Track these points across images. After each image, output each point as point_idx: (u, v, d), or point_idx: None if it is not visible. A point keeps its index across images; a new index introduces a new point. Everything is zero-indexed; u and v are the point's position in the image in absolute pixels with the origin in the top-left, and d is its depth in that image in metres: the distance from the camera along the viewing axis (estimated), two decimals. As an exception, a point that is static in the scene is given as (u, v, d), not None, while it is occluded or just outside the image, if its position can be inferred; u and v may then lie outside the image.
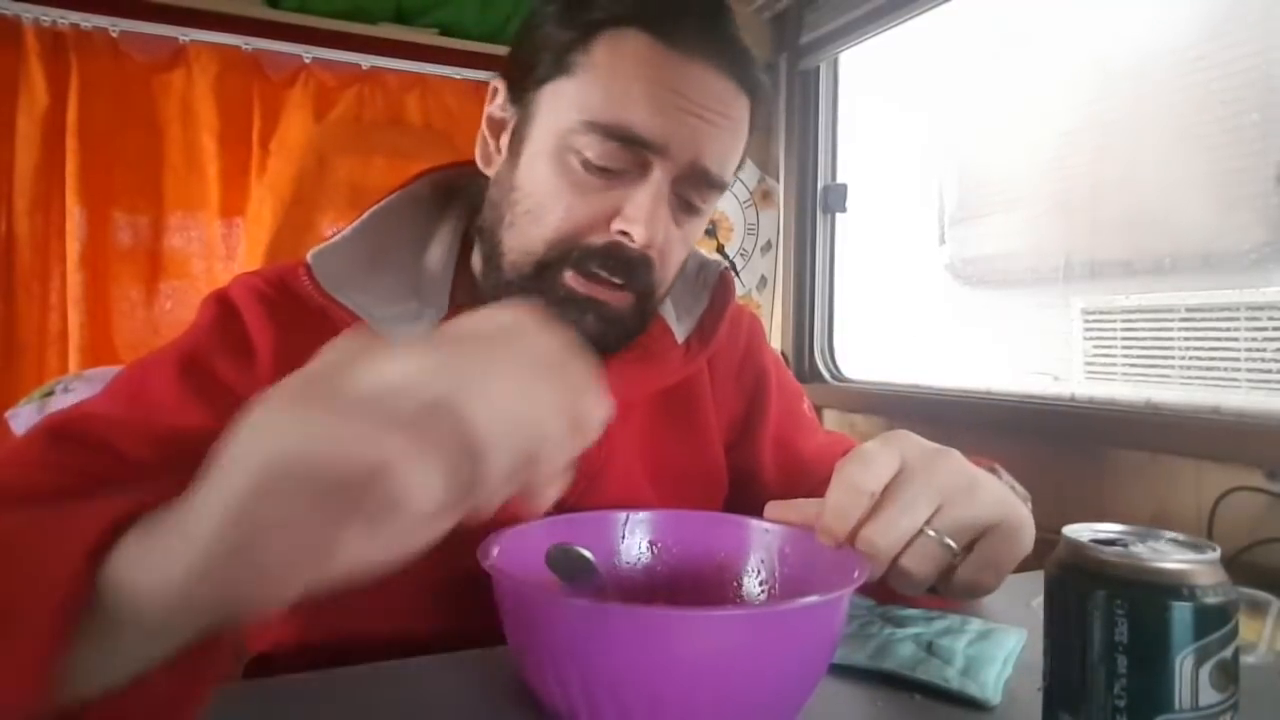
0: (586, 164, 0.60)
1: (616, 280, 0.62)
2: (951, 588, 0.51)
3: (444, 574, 0.56)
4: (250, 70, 1.79)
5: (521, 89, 0.64)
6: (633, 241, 0.60)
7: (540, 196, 0.62)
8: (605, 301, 0.62)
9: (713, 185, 0.64)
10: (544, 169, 0.61)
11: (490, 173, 0.67)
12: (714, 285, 0.78)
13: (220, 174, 1.76)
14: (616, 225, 0.61)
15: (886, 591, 0.60)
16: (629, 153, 0.59)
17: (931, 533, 0.48)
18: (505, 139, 0.66)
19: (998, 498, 0.50)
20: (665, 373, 0.72)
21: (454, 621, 0.56)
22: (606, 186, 0.61)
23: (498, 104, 0.67)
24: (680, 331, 0.74)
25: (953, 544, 0.48)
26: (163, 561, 0.29)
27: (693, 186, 0.63)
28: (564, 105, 0.61)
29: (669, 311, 0.74)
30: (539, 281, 0.62)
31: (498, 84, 0.67)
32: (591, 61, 0.60)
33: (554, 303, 0.61)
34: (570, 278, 0.61)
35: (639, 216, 0.60)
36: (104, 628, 0.30)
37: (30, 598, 0.30)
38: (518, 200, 0.63)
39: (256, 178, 1.80)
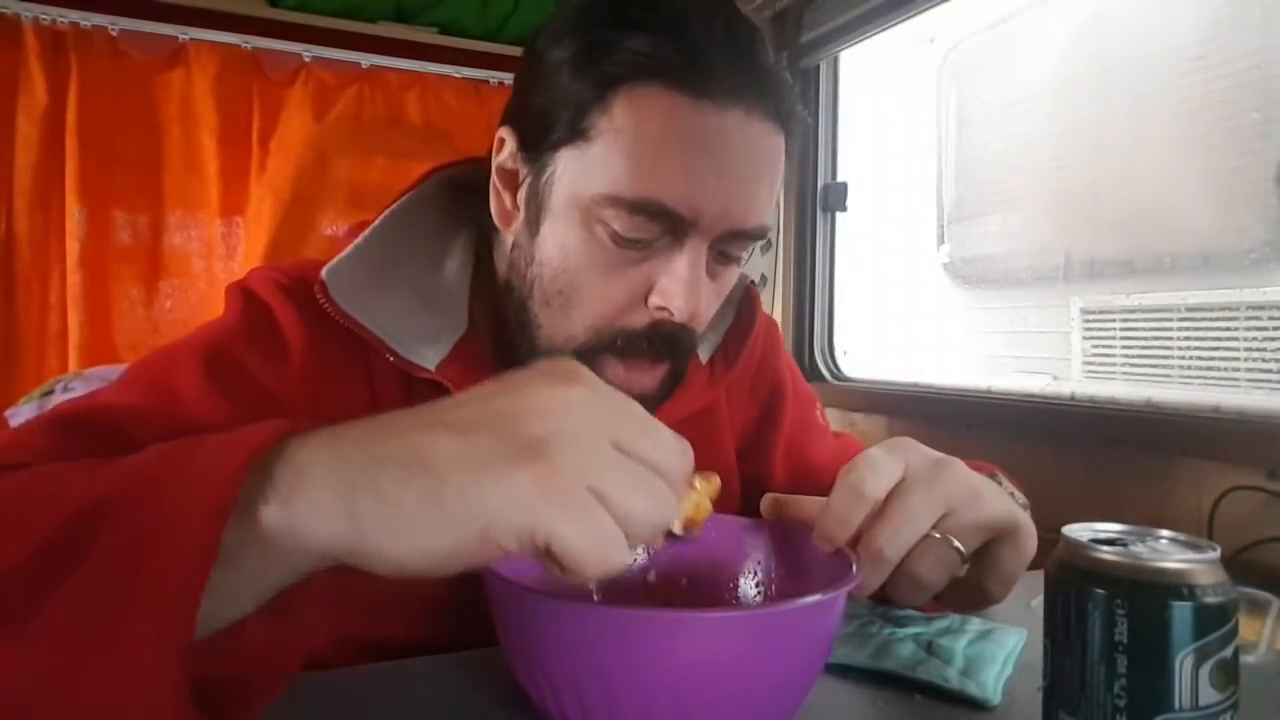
0: (615, 236, 0.55)
1: (659, 356, 0.59)
2: (957, 597, 0.51)
3: (457, 588, 0.56)
4: (250, 69, 1.79)
5: (535, 147, 0.59)
6: (673, 316, 0.57)
7: (572, 275, 0.57)
8: (646, 386, 0.60)
9: (753, 238, 0.60)
10: (571, 244, 0.57)
11: (508, 231, 0.63)
12: (739, 300, 0.75)
13: (220, 173, 1.76)
14: (654, 300, 0.57)
15: (884, 600, 0.60)
16: (659, 224, 0.55)
17: (939, 535, 0.48)
18: (521, 196, 0.61)
19: (1001, 506, 0.50)
20: (690, 399, 0.70)
21: (463, 629, 0.56)
22: (640, 258, 0.57)
23: (507, 154, 0.61)
24: (705, 351, 0.72)
25: (961, 547, 0.48)
26: (317, 532, 0.33)
27: (733, 242, 0.59)
28: (585, 175, 0.56)
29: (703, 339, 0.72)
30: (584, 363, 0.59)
31: (505, 134, 0.61)
32: (613, 126, 0.54)
33: None
34: (612, 370, 0.58)
35: (678, 289, 0.56)
36: (234, 547, 0.32)
37: (185, 500, 0.32)
38: (544, 275, 0.59)
39: (256, 177, 1.80)
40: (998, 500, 0.50)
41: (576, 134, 0.56)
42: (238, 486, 0.32)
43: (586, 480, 0.33)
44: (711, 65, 0.54)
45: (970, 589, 0.51)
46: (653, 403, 0.62)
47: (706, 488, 0.48)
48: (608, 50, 0.54)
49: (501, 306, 0.65)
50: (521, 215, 0.61)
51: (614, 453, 0.35)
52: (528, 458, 0.33)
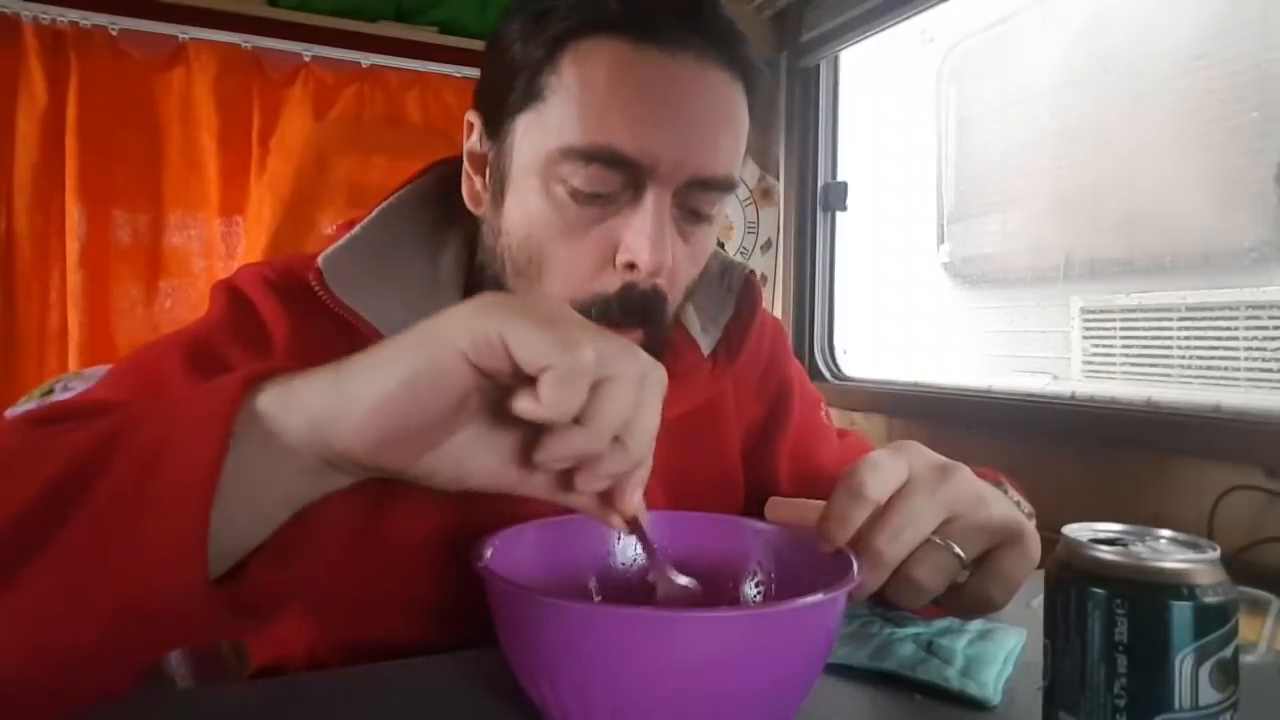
0: (575, 194, 0.55)
1: (632, 323, 0.58)
2: (957, 602, 0.51)
3: (456, 591, 0.56)
4: (250, 68, 1.79)
5: (496, 122, 0.59)
6: (639, 272, 0.56)
7: (538, 241, 0.57)
8: None
9: (719, 188, 0.58)
10: (533, 209, 0.56)
11: (480, 214, 0.63)
12: (739, 291, 0.74)
13: (220, 173, 1.76)
14: (621, 257, 0.56)
15: (884, 602, 0.60)
16: (617, 174, 0.54)
17: (939, 540, 0.48)
18: (488, 176, 0.61)
19: (1006, 514, 0.50)
20: (693, 392, 0.70)
21: (464, 631, 0.56)
22: (602, 215, 0.56)
23: (475, 138, 0.61)
24: (706, 343, 0.71)
25: (961, 553, 0.48)
26: (306, 400, 0.36)
27: (698, 194, 0.58)
28: (541, 136, 0.55)
29: (693, 322, 0.72)
30: None
31: (472, 118, 0.62)
32: (562, 83, 0.54)
33: None
34: None
35: (642, 242, 0.54)
36: (234, 473, 0.35)
37: (185, 433, 0.35)
38: (512, 246, 0.58)
39: (256, 176, 1.80)
40: (1002, 507, 0.50)
41: (531, 97, 0.56)
42: (247, 387, 0.36)
43: (546, 307, 0.37)
44: (655, 13, 0.54)
45: (971, 595, 0.50)
46: None
47: None
48: (553, 12, 0.55)
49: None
50: (489, 193, 0.61)
51: (571, 312, 0.38)
52: (496, 298, 0.38)
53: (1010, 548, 0.50)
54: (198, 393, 0.37)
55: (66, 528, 0.34)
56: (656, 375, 0.38)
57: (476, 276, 0.66)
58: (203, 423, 0.35)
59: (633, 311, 0.57)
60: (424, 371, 0.35)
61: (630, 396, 0.36)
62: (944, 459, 0.51)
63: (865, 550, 0.47)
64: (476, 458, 0.40)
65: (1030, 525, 0.52)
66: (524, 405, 0.35)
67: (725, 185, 0.58)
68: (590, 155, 0.53)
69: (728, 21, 0.57)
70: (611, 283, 0.56)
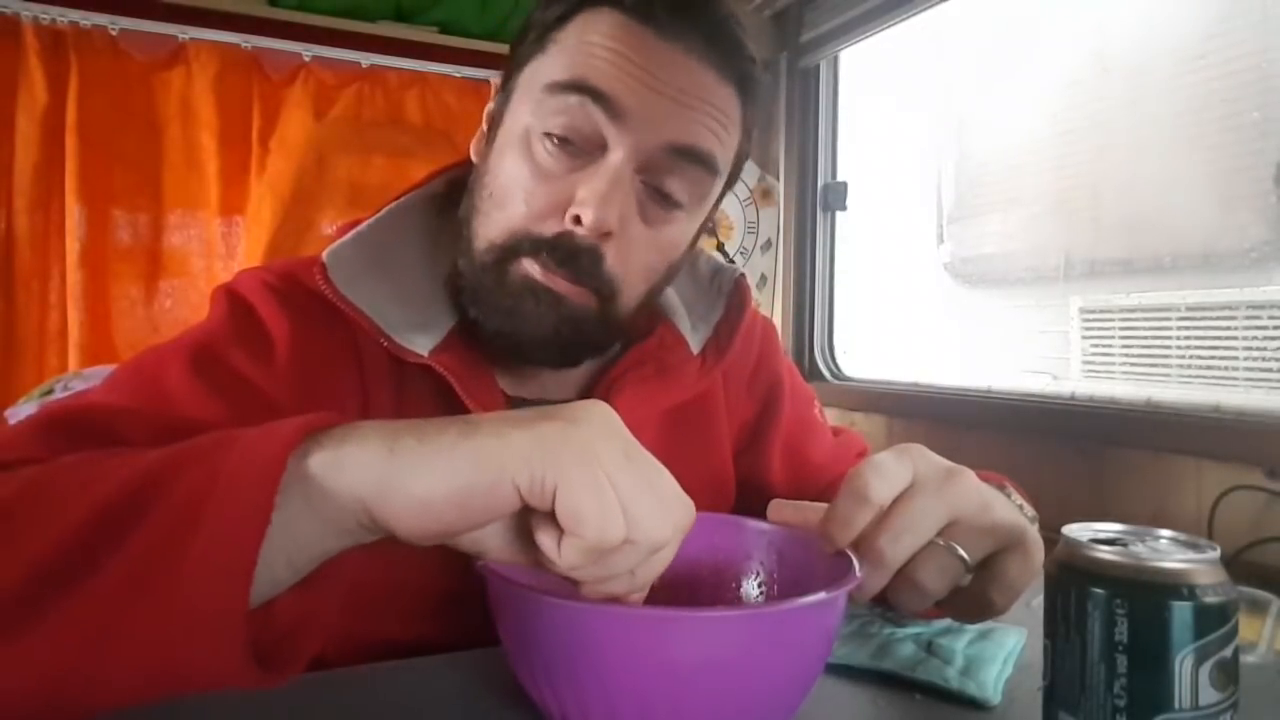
0: (548, 138, 0.57)
1: (563, 272, 0.58)
2: (959, 606, 0.51)
3: (456, 587, 0.56)
4: (250, 68, 1.79)
5: (508, 77, 0.63)
6: (582, 227, 0.57)
7: (504, 180, 0.60)
8: (564, 295, 0.58)
9: (692, 160, 0.58)
10: (511, 153, 0.60)
11: (477, 163, 0.66)
12: (729, 292, 0.75)
13: (220, 172, 1.76)
14: (570, 210, 0.57)
15: (886, 603, 0.60)
16: (589, 120, 0.56)
17: (943, 542, 0.48)
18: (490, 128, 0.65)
19: (1009, 518, 0.50)
20: (681, 388, 0.70)
21: (462, 627, 0.56)
22: (568, 170, 0.58)
23: (493, 100, 0.66)
24: (695, 342, 0.72)
25: (965, 555, 0.48)
26: (355, 474, 0.36)
27: (668, 171, 0.58)
28: (534, 82, 0.59)
29: (683, 320, 0.72)
30: (498, 271, 0.59)
31: (496, 80, 0.66)
32: (565, 36, 0.59)
33: (513, 293, 0.58)
34: (529, 265, 0.58)
35: (590, 198, 0.55)
36: (274, 534, 0.34)
37: (228, 493, 0.34)
38: (486, 185, 0.61)
39: (256, 176, 1.80)
40: (1006, 511, 0.50)
41: (537, 50, 0.60)
42: (294, 444, 0.35)
43: (599, 457, 0.36)
44: (663, 3, 0.57)
45: (973, 598, 0.50)
46: (584, 333, 0.60)
47: None
48: None
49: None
50: (487, 142, 0.64)
51: (624, 456, 0.38)
52: (556, 420, 0.37)
53: (1013, 552, 0.50)
54: (242, 444, 0.36)
55: (97, 577, 0.33)
56: (678, 539, 0.40)
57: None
58: (248, 486, 0.34)
59: (564, 261, 0.58)
60: (478, 490, 0.36)
61: (642, 557, 0.38)
62: (948, 463, 0.51)
63: (868, 552, 0.47)
64: (498, 539, 0.40)
65: (1034, 530, 0.52)
66: (546, 545, 0.37)
67: (698, 159, 0.59)
68: (566, 86, 0.57)
69: (733, 32, 0.59)
70: (552, 227, 0.58)
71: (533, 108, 0.59)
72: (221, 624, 0.33)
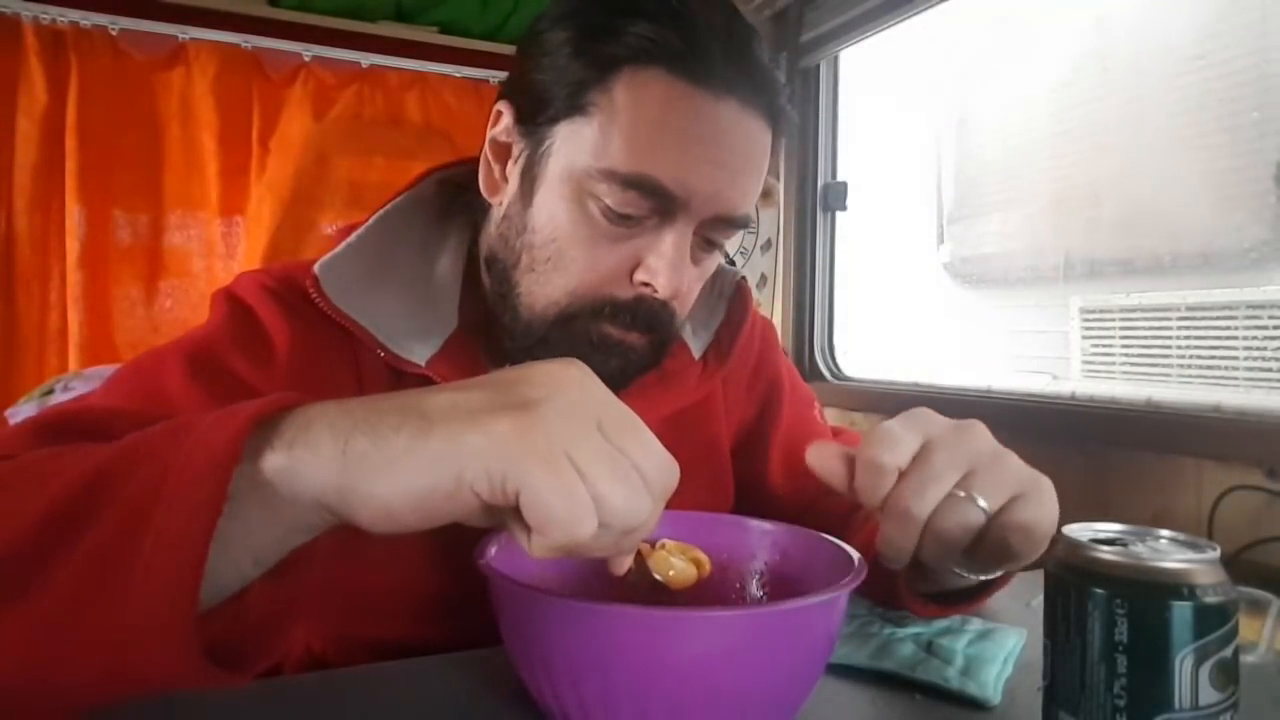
0: (606, 211, 0.57)
1: (638, 328, 0.61)
2: (981, 554, 0.50)
3: (455, 588, 0.56)
4: (250, 69, 1.79)
5: (532, 121, 0.60)
6: (656, 293, 0.59)
7: (562, 244, 0.59)
8: (634, 345, 0.61)
9: (738, 225, 0.62)
10: (563, 215, 0.59)
11: (496, 202, 0.64)
12: (730, 296, 0.76)
13: (220, 173, 1.76)
14: (639, 276, 0.59)
15: (886, 594, 0.60)
16: (650, 201, 0.57)
17: (962, 493, 0.48)
18: (513, 169, 0.62)
19: (1023, 466, 0.51)
20: (683, 393, 0.71)
21: (462, 628, 0.56)
22: (628, 235, 0.58)
23: (502, 128, 0.63)
24: (696, 347, 0.72)
25: (984, 503, 0.48)
26: (311, 477, 0.35)
27: (718, 228, 0.61)
28: (581, 149, 0.57)
29: (684, 325, 0.72)
30: (564, 329, 0.60)
31: (503, 108, 0.63)
32: (612, 104, 0.56)
33: (579, 347, 0.59)
34: (608, 327, 0.60)
35: (663, 268, 0.58)
36: (235, 495, 0.34)
37: (177, 489, 0.33)
38: (535, 244, 0.60)
39: (256, 176, 1.80)
40: (1018, 460, 0.51)
41: (575, 109, 0.58)
42: (244, 439, 0.34)
43: (565, 446, 0.34)
44: (711, 57, 0.56)
45: (995, 548, 0.50)
46: (640, 367, 0.63)
47: (696, 557, 0.49)
48: (611, 33, 0.57)
49: (486, 286, 0.66)
50: (515, 186, 0.62)
51: (597, 433, 0.36)
52: (513, 411, 0.35)
53: (1029, 498, 0.50)
54: (193, 439, 0.35)
55: (48, 574, 0.33)
56: (660, 505, 0.38)
57: (479, 272, 0.67)
58: (197, 481, 0.33)
59: (642, 321, 0.60)
60: (437, 495, 0.34)
61: (617, 538, 0.37)
62: (958, 420, 0.51)
63: (891, 509, 0.48)
64: (476, 518, 0.39)
65: (1047, 479, 0.52)
66: (518, 536, 0.36)
67: (743, 224, 0.62)
68: (630, 182, 0.56)
69: (771, 71, 0.60)
70: (624, 291, 0.60)
71: (583, 180, 0.57)
72: (171, 626, 0.33)
